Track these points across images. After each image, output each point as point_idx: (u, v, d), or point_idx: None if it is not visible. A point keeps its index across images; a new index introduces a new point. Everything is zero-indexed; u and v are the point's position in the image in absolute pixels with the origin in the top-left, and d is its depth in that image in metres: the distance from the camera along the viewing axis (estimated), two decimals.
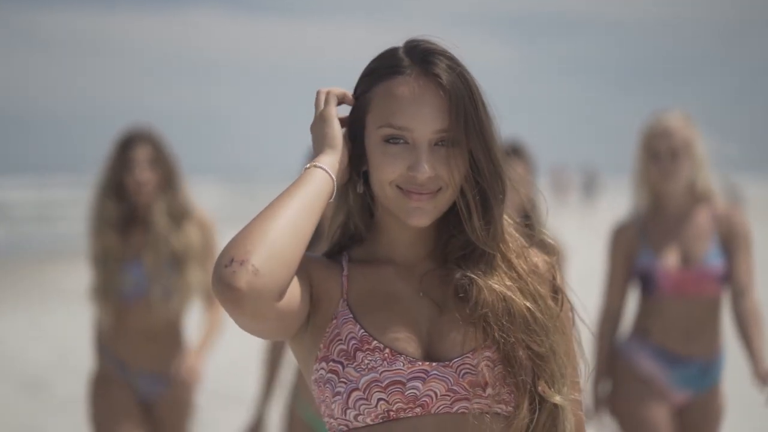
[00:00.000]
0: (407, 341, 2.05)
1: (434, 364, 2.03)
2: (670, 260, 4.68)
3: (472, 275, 2.08)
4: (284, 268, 1.96)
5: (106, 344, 5.14)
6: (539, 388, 2.04)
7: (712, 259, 4.66)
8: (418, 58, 2.09)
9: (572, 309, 2.17)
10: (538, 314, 2.07)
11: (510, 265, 2.11)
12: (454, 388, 2.02)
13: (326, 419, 2.07)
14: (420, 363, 2.02)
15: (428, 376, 2.02)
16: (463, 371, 2.03)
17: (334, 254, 2.19)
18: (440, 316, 2.09)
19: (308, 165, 2.07)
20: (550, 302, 2.11)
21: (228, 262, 1.93)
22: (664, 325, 4.70)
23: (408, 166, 2.05)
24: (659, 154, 4.75)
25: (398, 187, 2.07)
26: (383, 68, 2.11)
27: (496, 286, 2.08)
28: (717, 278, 4.66)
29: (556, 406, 2.05)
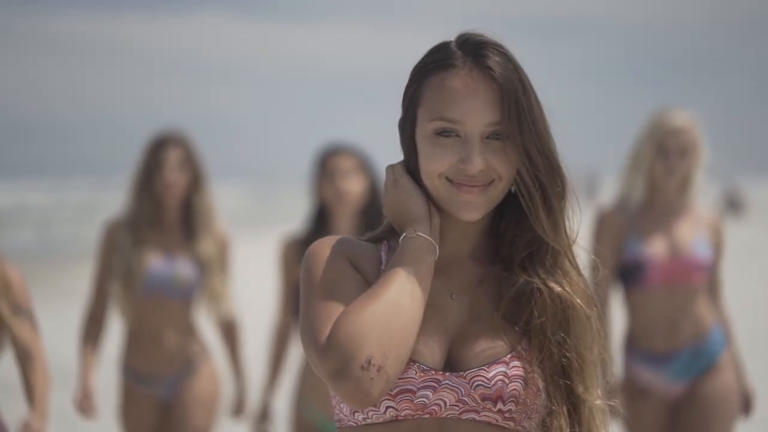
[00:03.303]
0: (426, 348, 2.05)
1: (447, 374, 2.04)
2: (659, 249, 4.83)
3: (536, 281, 2.08)
4: (402, 368, 2.01)
5: (123, 359, 5.33)
6: (578, 390, 2.05)
7: (701, 248, 4.85)
8: (471, 51, 2.09)
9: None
10: (593, 318, 2.09)
11: (571, 264, 2.12)
12: (464, 399, 2.03)
13: (336, 411, 2.12)
14: (433, 372, 2.04)
15: (440, 386, 2.04)
16: (476, 383, 2.04)
17: (375, 240, 2.19)
18: (472, 321, 2.08)
19: (411, 234, 2.07)
20: (591, 307, 2.11)
21: (365, 364, 1.95)
22: (648, 324, 4.86)
23: (459, 159, 2.05)
24: (669, 150, 4.89)
25: (448, 179, 2.07)
26: (435, 62, 2.10)
27: (558, 288, 2.08)
28: (704, 268, 4.85)
29: (591, 410, 2.07)
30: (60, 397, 9.14)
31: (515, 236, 2.11)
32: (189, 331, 5.31)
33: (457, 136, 2.06)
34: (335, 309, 2.01)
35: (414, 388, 2.03)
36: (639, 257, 4.85)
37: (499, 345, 2.05)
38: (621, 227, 4.90)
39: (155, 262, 5.21)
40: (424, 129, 2.09)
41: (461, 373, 2.04)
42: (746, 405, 4.96)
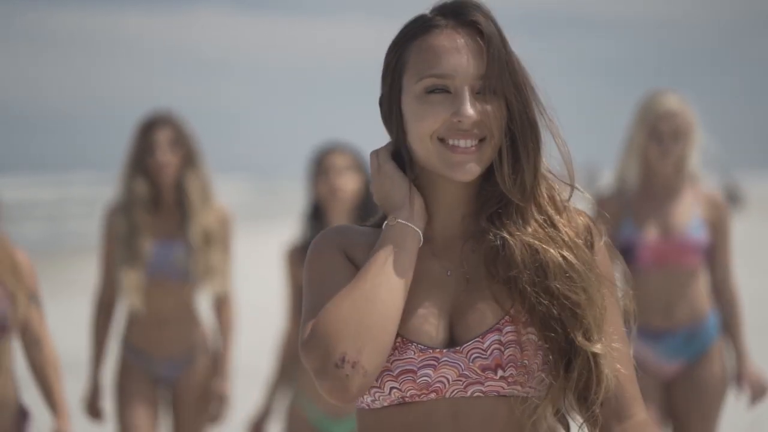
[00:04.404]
0: (423, 327, 2.04)
1: (445, 350, 2.02)
2: (650, 231, 4.85)
3: (504, 233, 2.04)
4: (384, 359, 2.00)
5: (124, 334, 5.28)
6: (578, 338, 1.99)
7: (694, 230, 4.85)
8: (451, 12, 2.08)
9: (617, 266, 2.14)
10: (575, 261, 2.03)
11: (547, 218, 2.07)
12: (465, 372, 2.02)
13: None
14: (431, 351, 2.02)
15: (439, 363, 2.02)
16: (473, 356, 2.02)
17: (377, 225, 2.16)
18: (466, 294, 2.06)
19: (392, 222, 2.06)
20: (586, 251, 2.06)
21: (339, 362, 1.96)
22: (644, 300, 4.76)
23: (452, 113, 2.02)
24: (662, 134, 4.86)
25: (441, 140, 2.03)
26: (415, 28, 2.09)
27: (528, 238, 2.03)
28: (697, 250, 4.85)
29: (594, 356, 2.00)
30: (67, 388, 9.29)
31: (488, 192, 2.09)
32: (191, 316, 5.29)
33: (447, 92, 2.04)
34: (317, 308, 2.02)
35: (414, 368, 2.02)
36: (631, 239, 4.86)
37: (491, 312, 2.04)
38: (616, 212, 4.90)
39: (154, 245, 5.19)
40: (412, 91, 2.06)
41: (458, 348, 2.03)
42: (757, 389, 4.91)
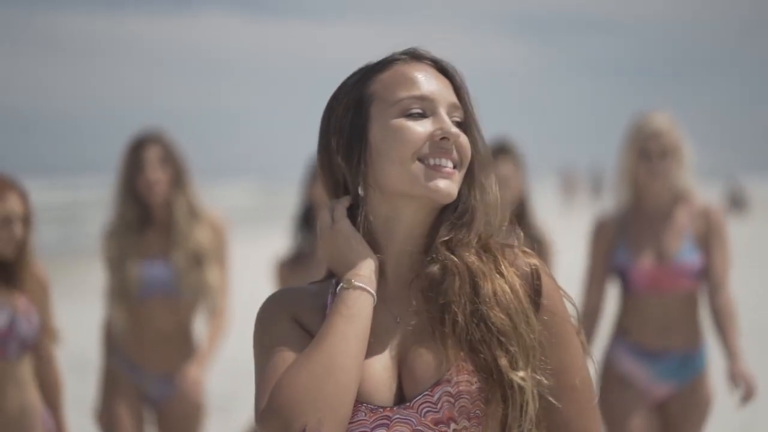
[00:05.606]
0: (371, 386, 2.00)
1: (395, 408, 1.99)
2: (644, 258, 4.85)
3: (451, 256, 2.01)
4: (345, 427, 1.95)
5: (118, 345, 5.27)
6: (501, 363, 1.96)
7: (686, 255, 4.84)
8: (408, 53, 2.08)
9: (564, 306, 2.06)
10: (506, 290, 2.00)
11: (487, 248, 2.05)
12: (419, 428, 1.98)
13: None
14: (381, 410, 1.99)
15: (391, 422, 1.99)
16: (424, 410, 1.98)
17: (324, 280, 2.12)
18: (415, 341, 2.01)
19: (347, 285, 2.00)
20: (519, 281, 2.03)
21: None
22: (641, 322, 4.86)
23: (435, 130, 2.00)
24: (650, 154, 4.86)
25: (422, 162, 2.00)
26: (376, 65, 2.07)
27: (473, 259, 2.01)
28: (692, 274, 4.84)
29: (518, 386, 1.96)
30: (78, 387, 9.36)
31: (445, 224, 2.05)
32: (186, 334, 5.30)
33: (424, 116, 2.02)
34: (273, 377, 1.97)
35: (368, 429, 1.99)
36: (624, 266, 4.88)
37: (439, 363, 1.99)
38: (610, 236, 4.93)
39: (147, 264, 5.21)
40: (386, 117, 2.02)
41: (408, 404, 1.99)
42: (747, 390, 4.73)
